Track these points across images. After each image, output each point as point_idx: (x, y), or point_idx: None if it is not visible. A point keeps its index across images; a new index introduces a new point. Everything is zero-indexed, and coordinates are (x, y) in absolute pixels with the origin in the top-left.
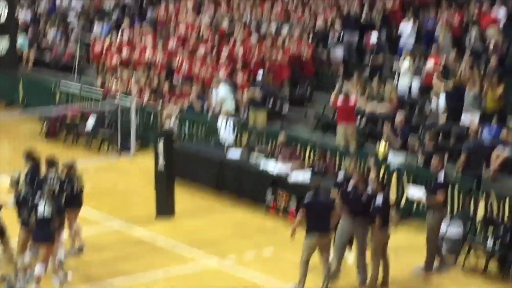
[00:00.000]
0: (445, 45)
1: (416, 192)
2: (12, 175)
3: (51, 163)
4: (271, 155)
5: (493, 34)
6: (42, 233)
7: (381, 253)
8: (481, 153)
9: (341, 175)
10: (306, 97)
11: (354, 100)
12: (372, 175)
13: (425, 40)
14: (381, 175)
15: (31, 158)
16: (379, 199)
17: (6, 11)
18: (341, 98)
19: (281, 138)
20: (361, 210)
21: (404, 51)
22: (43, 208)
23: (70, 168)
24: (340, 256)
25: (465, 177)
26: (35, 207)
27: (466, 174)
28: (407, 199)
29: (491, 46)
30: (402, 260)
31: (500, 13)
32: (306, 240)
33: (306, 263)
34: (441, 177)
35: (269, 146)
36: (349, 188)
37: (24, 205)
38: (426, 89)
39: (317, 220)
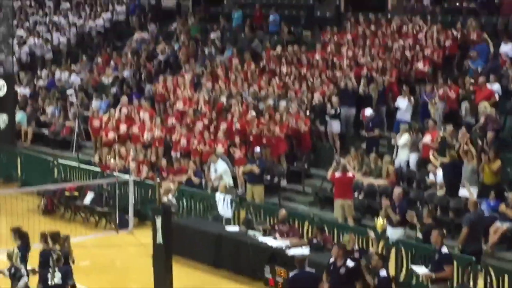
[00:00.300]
0: (436, 119)
1: (420, 270)
2: (8, 251)
3: (55, 237)
4: (269, 231)
5: (484, 109)
6: None
7: None
8: (480, 227)
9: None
10: (303, 172)
11: (351, 175)
12: (373, 249)
13: (421, 115)
14: (380, 249)
15: (20, 235)
16: (382, 273)
17: (5, 88)
18: (338, 173)
19: (282, 214)
20: (340, 282)
21: (401, 126)
22: (53, 276)
23: (65, 241)
24: None
25: (464, 251)
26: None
27: (465, 248)
28: (406, 273)
29: (482, 120)
30: None
31: (495, 87)
32: None
33: None
34: (445, 250)
35: (267, 221)
36: (330, 261)
37: (14, 278)
38: (423, 163)
39: None
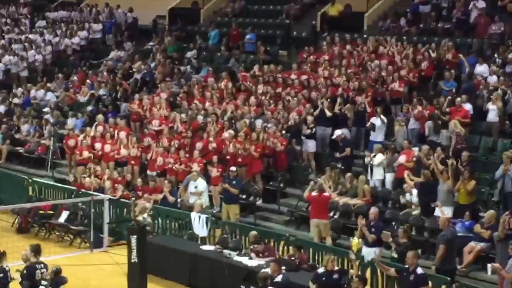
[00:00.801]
0: (398, 139)
1: None
2: None
3: (38, 250)
4: (243, 250)
5: (454, 127)
6: None
7: None
8: (454, 246)
9: (321, 270)
10: (279, 191)
11: (327, 195)
12: (353, 271)
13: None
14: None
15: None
16: None
17: None
18: (315, 193)
19: (252, 235)
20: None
21: (375, 146)
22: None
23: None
24: None
25: (439, 270)
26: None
27: (440, 267)
28: None
29: (453, 139)
30: None
31: (467, 107)
32: None
33: None
34: (420, 271)
35: (242, 241)
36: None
37: None
38: (399, 183)
39: None
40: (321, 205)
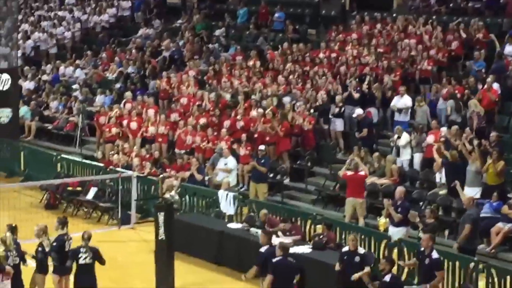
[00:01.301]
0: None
1: None
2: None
3: (64, 222)
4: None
5: (474, 107)
6: (85, 278)
7: None
8: (482, 228)
9: (345, 249)
10: (306, 170)
11: (363, 174)
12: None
13: (425, 114)
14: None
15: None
16: (387, 278)
17: (10, 83)
18: (350, 172)
19: (262, 214)
20: (352, 271)
21: (401, 126)
22: (85, 255)
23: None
24: None
25: (462, 249)
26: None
27: (466, 248)
28: (408, 272)
29: (475, 119)
30: None
31: (496, 86)
32: None
33: None
34: (435, 255)
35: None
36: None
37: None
38: (427, 163)
39: (283, 281)
40: (357, 184)
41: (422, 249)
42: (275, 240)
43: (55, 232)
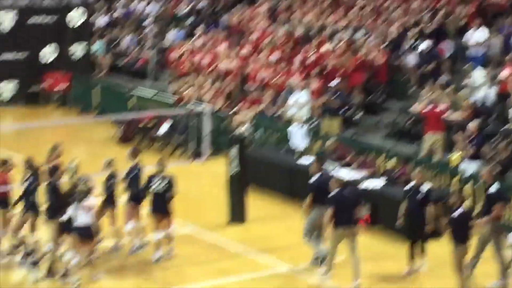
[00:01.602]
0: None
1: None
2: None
3: (135, 153)
4: (345, 163)
5: None
6: (159, 205)
7: (459, 268)
8: None
9: (411, 184)
10: (379, 105)
11: (443, 108)
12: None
13: (500, 47)
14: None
15: (31, 166)
16: (456, 214)
17: (83, 18)
18: (429, 106)
19: (330, 143)
20: (416, 206)
21: (476, 60)
22: (158, 183)
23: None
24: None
25: None
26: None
27: None
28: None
29: None
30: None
31: None
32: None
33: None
34: (493, 189)
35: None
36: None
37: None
38: (502, 97)
39: (342, 213)
40: (435, 119)
41: (483, 180)
42: (349, 174)
43: (127, 164)
